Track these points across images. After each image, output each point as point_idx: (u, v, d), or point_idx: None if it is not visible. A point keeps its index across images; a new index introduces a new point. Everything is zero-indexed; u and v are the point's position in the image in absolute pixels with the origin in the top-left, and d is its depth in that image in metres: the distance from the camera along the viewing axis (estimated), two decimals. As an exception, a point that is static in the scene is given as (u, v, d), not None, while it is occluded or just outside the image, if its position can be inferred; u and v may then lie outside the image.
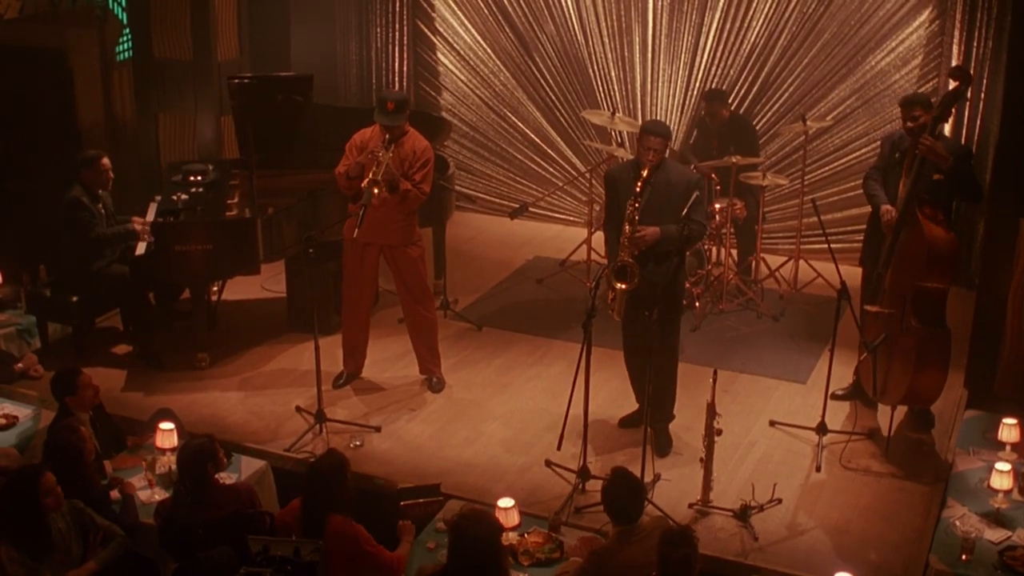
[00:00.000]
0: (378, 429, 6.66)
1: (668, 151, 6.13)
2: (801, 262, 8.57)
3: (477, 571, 4.31)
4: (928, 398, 6.33)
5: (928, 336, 6.11)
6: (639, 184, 5.97)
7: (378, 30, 10.13)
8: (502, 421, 6.83)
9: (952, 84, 6.23)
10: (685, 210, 5.95)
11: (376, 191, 6.44)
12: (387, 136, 6.59)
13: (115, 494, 5.50)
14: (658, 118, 9.43)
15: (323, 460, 5.06)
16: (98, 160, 7.39)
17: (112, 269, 7.41)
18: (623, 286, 6.04)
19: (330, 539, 4.75)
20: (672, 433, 6.52)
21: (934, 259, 6.04)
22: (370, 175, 6.46)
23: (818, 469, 6.27)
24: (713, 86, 9.19)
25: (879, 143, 6.98)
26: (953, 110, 6.80)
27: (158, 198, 7.76)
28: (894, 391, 6.29)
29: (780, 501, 5.91)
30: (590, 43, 9.62)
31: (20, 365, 7.15)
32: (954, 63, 8.28)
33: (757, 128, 9.04)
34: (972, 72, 8.27)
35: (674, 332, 6.31)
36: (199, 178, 7.79)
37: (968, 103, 8.33)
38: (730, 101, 8.89)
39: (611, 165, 8.88)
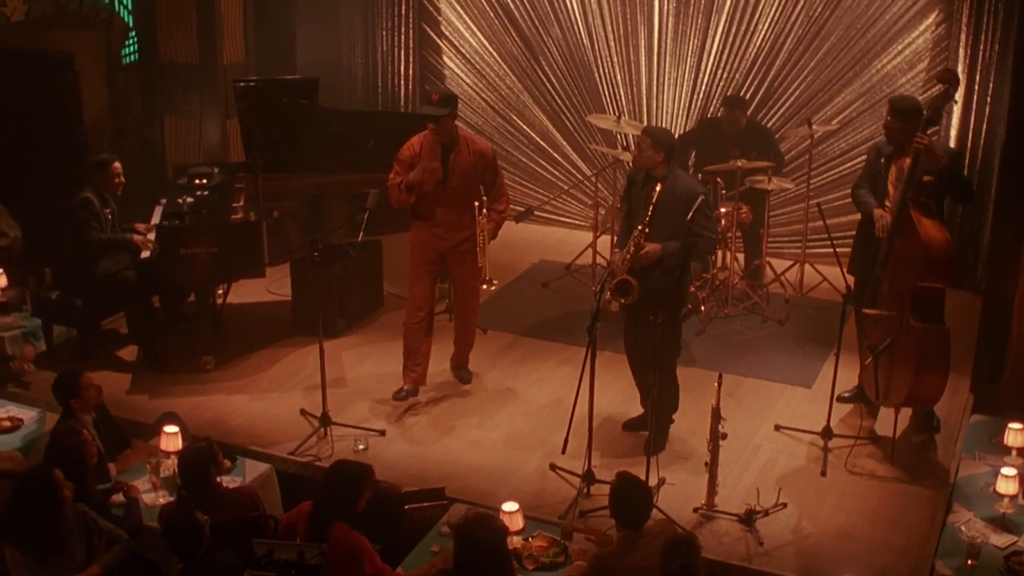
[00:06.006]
0: (382, 432, 6.65)
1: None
2: (807, 266, 8.56)
3: (483, 574, 4.34)
4: (930, 398, 6.30)
5: (927, 333, 6.08)
6: (652, 197, 6.01)
7: (384, 33, 10.13)
8: (507, 425, 6.82)
9: (940, 87, 6.23)
10: (690, 215, 5.94)
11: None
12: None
13: (119, 497, 5.50)
14: (664, 122, 9.42)
15: (349, 464, 5.04)
16: (109, 164, 7.40)
17: (122, 274, 7.41)
18: (622, 301, 6.12)
19: (331, 547, 4.74)
20: (677, 437, 6.52)
21: (931, 260, 6.02)
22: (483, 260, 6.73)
23: (823, 473, 6.25)
24: (718, 90, 9.19)
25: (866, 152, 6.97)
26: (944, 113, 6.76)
27: (163, 201, 7.77)
28: (896, 393, 6.27)
29: (785, 505, 5.90)
30: (596, 47, 9.61)
31: (15, 362, 7.12)
32: (960, 67, 8.28)
33: (764, 132, 9.03)
34: (979, 75, 8.28)
35: (671, 338, 6.31)
36: (204, 181, 7.78)
37: (974, 106, 8.33)
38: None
39: (620, 168, 8.94)
